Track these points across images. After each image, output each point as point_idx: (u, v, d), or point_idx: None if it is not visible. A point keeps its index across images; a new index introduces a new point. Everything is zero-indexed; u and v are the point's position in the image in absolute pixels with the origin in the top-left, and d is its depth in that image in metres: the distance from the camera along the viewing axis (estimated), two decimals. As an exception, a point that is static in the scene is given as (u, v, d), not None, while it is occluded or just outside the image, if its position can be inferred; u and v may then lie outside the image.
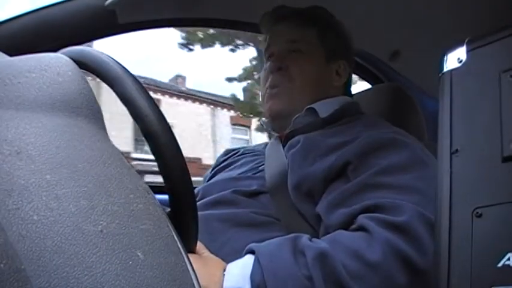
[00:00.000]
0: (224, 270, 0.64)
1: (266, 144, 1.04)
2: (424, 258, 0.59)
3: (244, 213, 0.81)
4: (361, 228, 0.63)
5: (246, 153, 1.06)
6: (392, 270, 0.59)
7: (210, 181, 1.01)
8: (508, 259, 0.36)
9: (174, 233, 0.37)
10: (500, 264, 0.37)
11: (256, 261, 0.62)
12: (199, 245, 0.65)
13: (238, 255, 0.67)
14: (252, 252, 0.65)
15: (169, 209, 0.50)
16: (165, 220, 0.36)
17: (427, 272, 0.59)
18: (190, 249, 0.59)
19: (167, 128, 0.48)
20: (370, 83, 1.44)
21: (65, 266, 0.27)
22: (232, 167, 1.02)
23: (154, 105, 0.48)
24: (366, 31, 1.23)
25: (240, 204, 0.84)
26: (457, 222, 0.41)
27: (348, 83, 1.06)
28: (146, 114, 0.47)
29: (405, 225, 0.61)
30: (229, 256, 0.67)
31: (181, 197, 0.49)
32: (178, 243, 0.36)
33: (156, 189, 0.53)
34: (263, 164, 0.94)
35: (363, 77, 1.45)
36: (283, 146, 0.92)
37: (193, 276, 0.35)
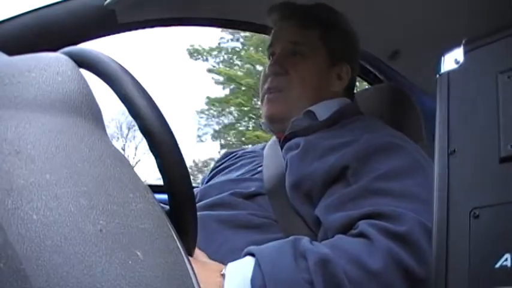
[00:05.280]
0: (222, 274, 0.64)
1: (264, 145, 1.04)
2: (424, 268, 0.59)
3: (242, 215, 0.81)
4: (362, 235, 0.63)
5: (244, 155, 1.05)
6: (393, 280, 0.59)
7: (208, 183, 1.00)
8: (506, 260, 0.36)
9: (173, 233, 0.37)
10: (497, 265, 0.37)
11: (257, 265, 0.62)
12: (198, 252, 0.64)
13: (235, 256, 0.66)
14: (251, 254, 0.64)
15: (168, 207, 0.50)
16: (165, 220, 0.36)
17: (427, 282, 0.59)
18: (189, 253, 0.59)
19: (166, 127, 0.48)
20: (369, 83, 1.44)
21: (65, 266, 0.27)
22: (230, 169, 1.02)
23: (154, 104, 0.48)
24: (366, 31, 1.23)
25: (238, 206, 0.83)
26: (454, 223, 0.41)
27: (351, 86, 1.04)
28: (145, 112, 0.47)
29: (406, 235, 0.61)
30: (226, 257, 0.67)
31: (181, 199, 0.49)
32: (178, 242, 0.36)
33: (155, 188, 0.53)
34: (261, 166, 0.94)
35: (363, 77, 1.44)
36: (281, 148, 0.91)
37: (192, 276, 0.35)
